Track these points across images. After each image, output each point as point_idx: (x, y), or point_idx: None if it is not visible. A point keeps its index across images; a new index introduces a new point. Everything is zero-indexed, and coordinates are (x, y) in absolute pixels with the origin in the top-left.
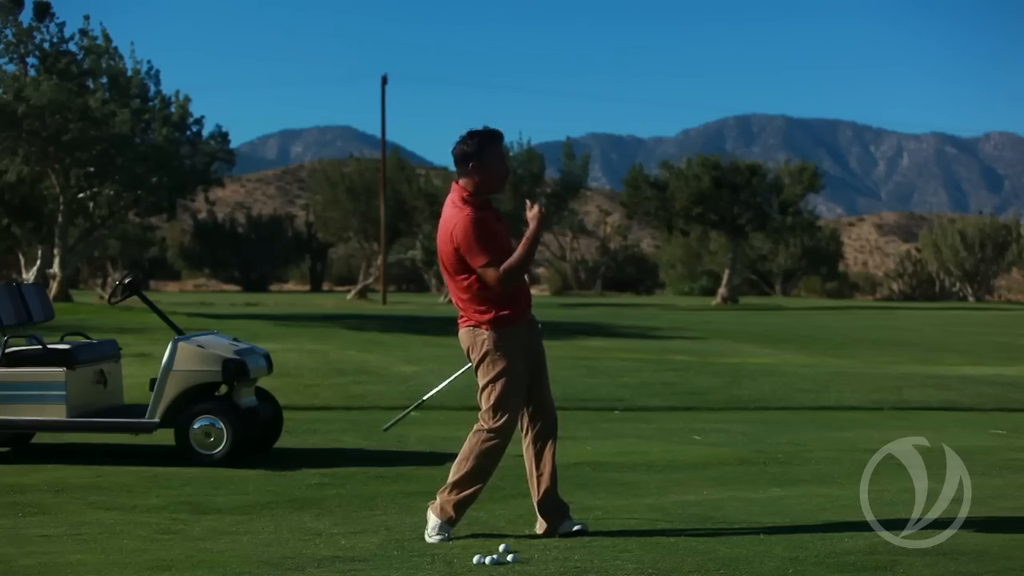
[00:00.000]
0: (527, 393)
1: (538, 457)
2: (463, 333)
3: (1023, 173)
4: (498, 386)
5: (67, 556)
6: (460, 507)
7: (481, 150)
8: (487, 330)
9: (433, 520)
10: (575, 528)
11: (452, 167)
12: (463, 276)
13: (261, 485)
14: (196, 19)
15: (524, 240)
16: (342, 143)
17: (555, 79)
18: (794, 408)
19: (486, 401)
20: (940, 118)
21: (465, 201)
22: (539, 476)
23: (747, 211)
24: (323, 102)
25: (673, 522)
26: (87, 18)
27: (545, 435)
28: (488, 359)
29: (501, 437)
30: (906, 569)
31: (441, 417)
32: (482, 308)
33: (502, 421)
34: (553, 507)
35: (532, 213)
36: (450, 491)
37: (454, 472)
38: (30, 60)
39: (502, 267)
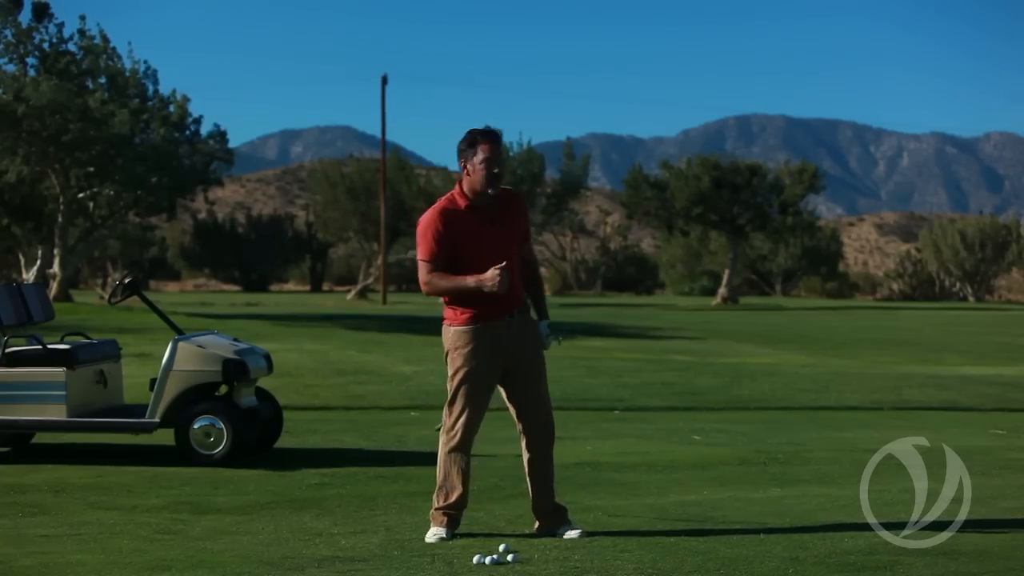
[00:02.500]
0: (513, 396)
1: (531, 462)
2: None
3: (1023, 173)
4: (454, 384)
5: (67, 556)
6: (449, 511)
7: (468, 149)
8: (452, 327)
9: (430, 528)
10: (572, 534)
11: (452, 167)
12: None
13: (261, 485)
14: (196, 19)
15: (459, 280)
16: (342, 143)
17: (555, 79)
18: (794, 408)
19: (447, 398)
20: (940, 118)
21: (448, 198)
22: (534, 481)
23: (747, 211)
24: (323, 102)
25: (673, 522)
26: (83, 18)
27: (538, 440)
28: (449, 356)
29: (457, 436)
30: (906, 569)
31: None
32: (451, 305)
33: (456, 419)
34: (548, 510)
35: (490, 275)
36: (435, 497)
37: (437, 478)
38: (30, 60)
39: (428, 277)
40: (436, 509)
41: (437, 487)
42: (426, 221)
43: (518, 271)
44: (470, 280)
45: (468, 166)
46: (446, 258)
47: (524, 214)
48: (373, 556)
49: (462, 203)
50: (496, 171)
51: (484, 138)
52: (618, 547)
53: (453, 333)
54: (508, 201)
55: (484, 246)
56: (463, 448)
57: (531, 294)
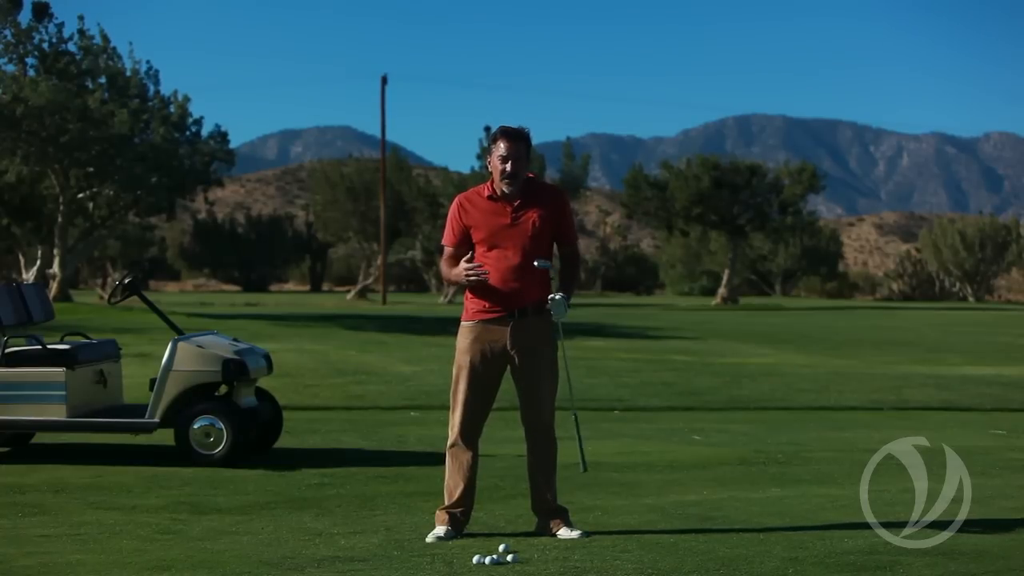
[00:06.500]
0: (517, 396)
1: (532, 463)
2: None
3: (1023, 173)
4: (453, 379)
5: (67, 556)
6: (450, 510)
7: (491, 145)
8: (461, 322)
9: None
10: (572, 535)
11: (451, 167)
12: None
13: (261, 485)
14: (196, 19)
15: (455, 269)
16: (342, 143)
17: (555, 79)
18: (794, 408)
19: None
20: (940, 118)
21: (480, 187)
22: (534, 481)
23: (747, 211)
24: (323, 102)
25: (673, 522)
26: (81, 18)
27: (537, 442)
28: (455, 351)
29: (453, 435)
30: (906, 569)
31: (442, 417)
32: (467, 300)
33: (452, 418)
34: (549, 511)
35: (461, 268)
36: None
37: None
38: (29, 60)
39: (442, 263)
40: (439, 508)
41: (444, 485)
42: (451, 207)
43: (531, 269)
44: (454, 271)
45: (489, 160)
46: (465, 245)
47: (561, 212)
48: (373, 556)
49: (485, 192)
50: (509, 169)
51: (503, 135)
52: (618, 547)
53: (459, 328)
54: (541, 198)
55: (498, 238)
56: (463, 445)
57: (561, 277)
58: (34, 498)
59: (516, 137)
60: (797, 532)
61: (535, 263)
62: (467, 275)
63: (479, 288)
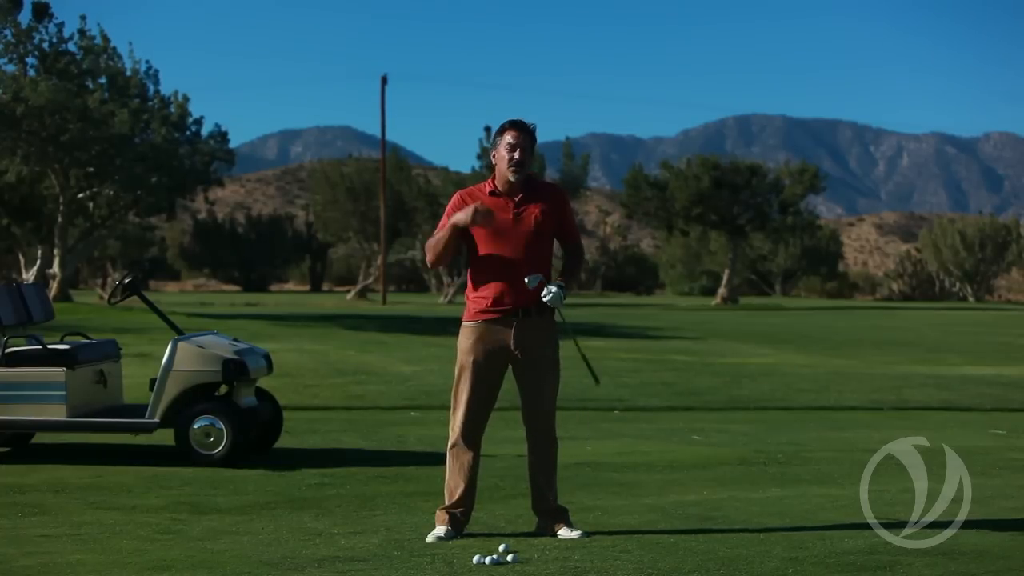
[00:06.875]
0: (519, 396)
1: (532, 464)
2: None
3: (1023, 173)
4: (455, 379)
5: (67, 556)
6: (451, 510)
7: (497, 137)
8: (462, 322)
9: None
10: (572, 535)
11: (451, 167)
12: None
13: (261, 485)
14: (196, 19)
15: (444, 227)
16: (342, 143)
17: (555, 79)
18: (794, 408)
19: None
20: (940, 118)
21: (481, 184)
22: (534, 481)
23: (747, 211)
24: (323, 102)
25: (673, 522)
26: (83, 18)
27: (537, 442)
28: (457, 351)
29: (454, 435)
30: (906, 569)
31: (442, 417)
32: (469, 299)
33: (454, 418)
34: (549, 511)
35: (466, 210)
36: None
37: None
38: (29, 60)
39: (428, 240)
40: (439, 508)
41: (445, 483)
42: (451, 199)
43: (534, 265)
44: (451, 220)
45: (494, 153)
46: (456, 238)
47: (562, 210)
48: (373, 556)
49: (487, 189)
50: (517, 157)
51: (511, 126)
52: (618, 547)
53: (461, 329)
54: (541, 194)
55: (498, 233)
56: (464, 445)
57: (564, 267)
58: (34, 498)
59: (524, 128)
60: (797, 532)
61: (525, 280)
62: (477, 209)
63: (480, 282)
